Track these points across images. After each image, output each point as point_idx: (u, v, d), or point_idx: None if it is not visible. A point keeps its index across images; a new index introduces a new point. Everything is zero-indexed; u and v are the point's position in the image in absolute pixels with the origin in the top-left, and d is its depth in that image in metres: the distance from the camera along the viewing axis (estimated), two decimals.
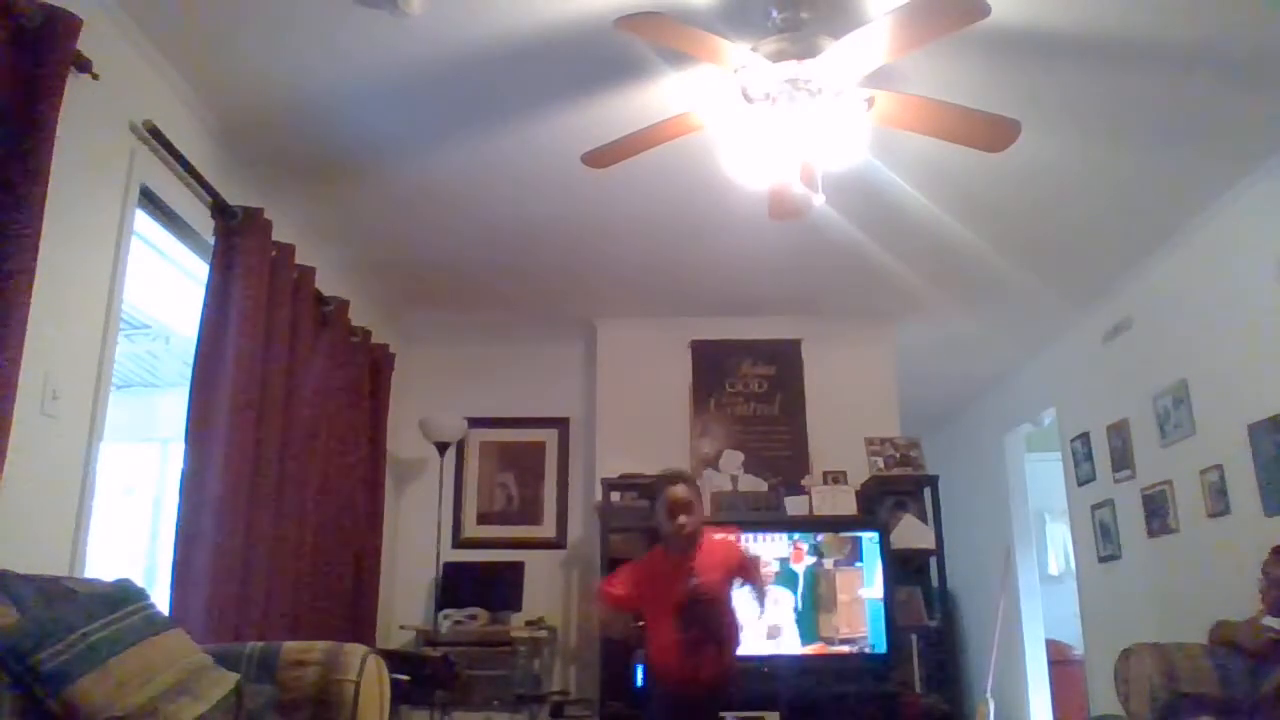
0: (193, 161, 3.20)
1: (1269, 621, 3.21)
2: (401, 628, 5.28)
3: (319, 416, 4.06)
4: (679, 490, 2.93)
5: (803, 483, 5.14)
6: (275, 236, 3.66)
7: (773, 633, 4.47)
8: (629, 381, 5.52)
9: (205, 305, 3.28)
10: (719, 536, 3.06)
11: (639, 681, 4.86)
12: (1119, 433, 5.00)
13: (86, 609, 2.06)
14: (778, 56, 2.63)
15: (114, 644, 2.01)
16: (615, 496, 5.06)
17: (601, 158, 3.04)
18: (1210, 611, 3.58)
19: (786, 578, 4.57)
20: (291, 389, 3.78)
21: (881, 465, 5.13)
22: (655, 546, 3.10)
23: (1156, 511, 4.62)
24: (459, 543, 5.60)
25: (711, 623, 2.90)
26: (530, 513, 5.72)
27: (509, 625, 5.12)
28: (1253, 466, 3.83)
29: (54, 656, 1.86)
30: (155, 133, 2.98)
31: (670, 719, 2.98)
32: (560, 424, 5.83)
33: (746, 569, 3.02)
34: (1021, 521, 6.57)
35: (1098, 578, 5.39)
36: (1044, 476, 6.60)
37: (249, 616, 3.29)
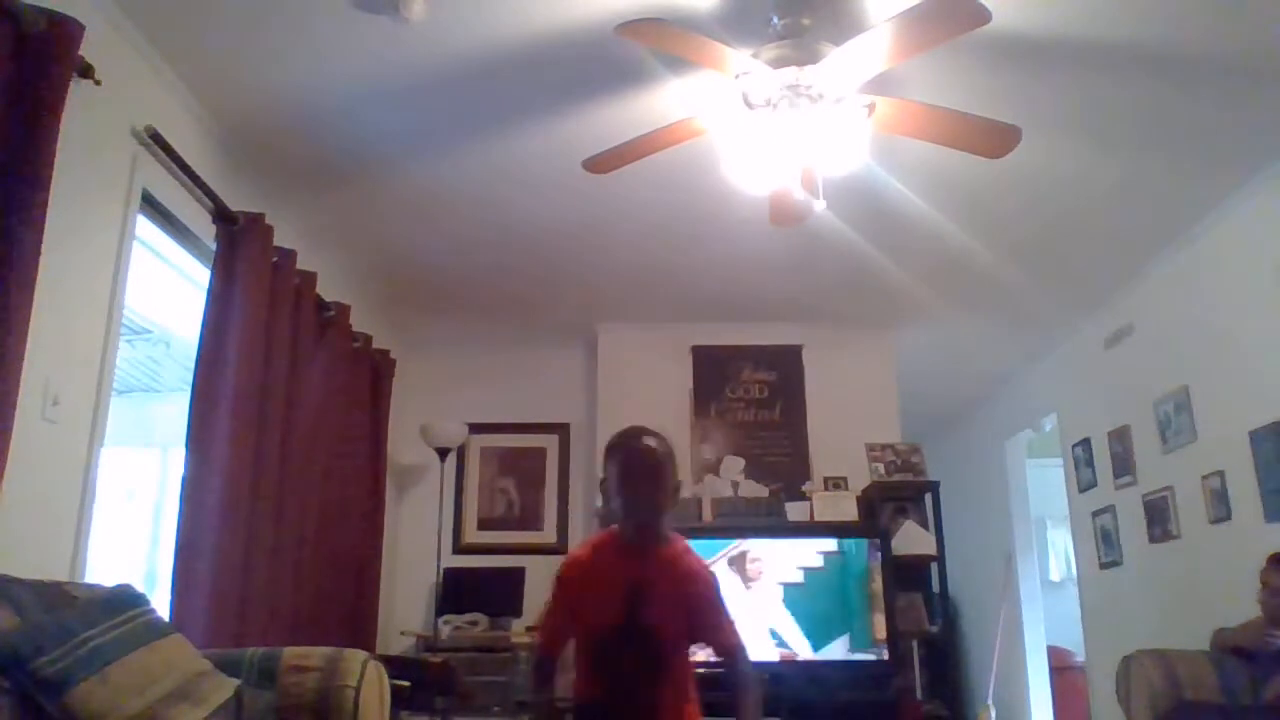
0: (194, 167, 3.21)
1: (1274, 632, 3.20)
2: (402, 633, 5.28)
3: (320, 422, 4.06)
4: (647, 444, 2.11)
5: (804, 489, 5.13)
6: (276, 242, 3.67)
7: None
8: (630, 387, 5.51)
9: (206, 310, 3.29)
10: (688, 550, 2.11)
11: None
12: (1120, 439, 5.00)
13: (86, 614, 2.06)
14: (779, 63, 2.63)
15: (114, 649, 2.02)
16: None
17: (603, 163, 3.04)
18: (1212, 617, 3.57)
19: None
20: (292, 394, 3.78)
21: (883, 471, 5.12)
22: (607, 531, 2.16)
23: (1158, 517, 4.61)
24: (459, 548, 5.59)
25: (647, 667, 1.99)
26: (531, 518, 5.72)
27: (509, 631, 5.11)
28: (1254, 473, 3.82)
29: (54, 662, 1.86)
30: (157, 138, 2.98)
31: None
32: (561, 429, 5.83)
33: (711, 611, 2.04)
34: (1023, 527, 6.56)
35: (1099, 584, 5.38)
36: (1045, 482, 6.59)
37: (249, 622, 3.29)
